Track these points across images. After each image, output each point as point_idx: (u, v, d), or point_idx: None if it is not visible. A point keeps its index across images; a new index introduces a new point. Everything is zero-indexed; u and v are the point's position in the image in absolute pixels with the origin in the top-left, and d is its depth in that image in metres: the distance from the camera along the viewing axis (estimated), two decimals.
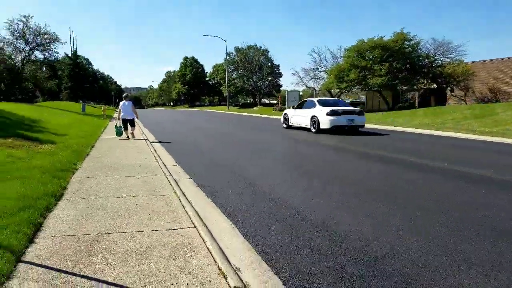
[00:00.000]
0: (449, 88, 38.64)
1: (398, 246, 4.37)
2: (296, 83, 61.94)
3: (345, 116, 18.08)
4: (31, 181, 6.89)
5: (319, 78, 56.85)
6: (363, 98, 59.53)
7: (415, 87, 40.37)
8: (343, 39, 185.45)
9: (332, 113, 17.92)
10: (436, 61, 39.68)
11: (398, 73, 36.08)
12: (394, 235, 4.71)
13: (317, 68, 56.18)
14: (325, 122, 17.94)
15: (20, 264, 3.78)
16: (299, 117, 20.48)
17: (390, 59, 36.42)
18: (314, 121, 18.66)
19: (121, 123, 16.21)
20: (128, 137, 16.08)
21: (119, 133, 16.13)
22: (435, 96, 40.70)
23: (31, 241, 4.37)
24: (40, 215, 5.18)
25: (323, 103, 19.41)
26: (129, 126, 16.17)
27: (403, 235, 4.71)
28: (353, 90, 48.99)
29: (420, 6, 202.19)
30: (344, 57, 44.12)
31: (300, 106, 21.23)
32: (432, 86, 41.13)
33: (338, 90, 48.01)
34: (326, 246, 4.38)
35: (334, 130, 18.16)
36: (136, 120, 16.77)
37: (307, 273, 3.75)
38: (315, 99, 20.65)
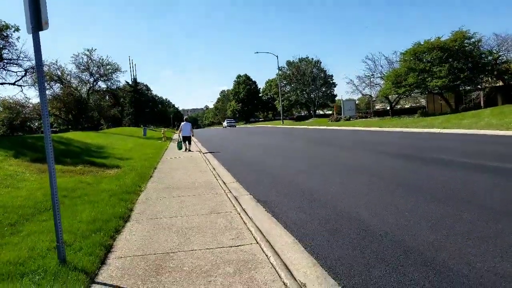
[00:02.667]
0: None
1: None
2: (352, 92, 61.21)
3: (230, 123, 78.88)
4: (100, 205, 7.25)
5: (376, 84, 55.42)
6: (423, 102, 57.27)
7: (479, 86, 38.16)
8: (397, 44, 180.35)
9: (227, 123, 79.78)
10: (500, 58, 37.34)
11: (459, 73, 34.24)
12: None
13: (373, 75, 54.77)
14: (226, 125, 78.32)
15: (94, 285, 3.95)
16: (223, 124, 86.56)
17: (450, 60, 34.79)
18: (224, 125, 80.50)
19: (181, 138, 20.58)
20: (186, 149, 20.31)
21: (180, 147, 20.56)
22: (502, 95, 38.20)
23: (103, 262, 4.55)
24: (110, 237, 5.40)
25: (227, 120, 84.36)
26: (187, 142, 20.52)
27: None
28: (412, 94, 47.19)
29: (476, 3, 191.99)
30: (400, 62, 42.76)
31: (223, 121, 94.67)
32: (498, 84, 38.68)
33: (396, 95, 46.46)
34: (395, 258, 4.17)
35: (228, 127, 69.79)
36: (193, 138, 21.64)
37: (375, 284, 3.58)
38: (226, 119, 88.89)
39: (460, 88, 37.75)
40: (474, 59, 35.39)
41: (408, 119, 34.81)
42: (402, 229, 5.12)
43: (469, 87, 38.56)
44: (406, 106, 70.10)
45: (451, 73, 34.18)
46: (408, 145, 15.93)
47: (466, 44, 35.92)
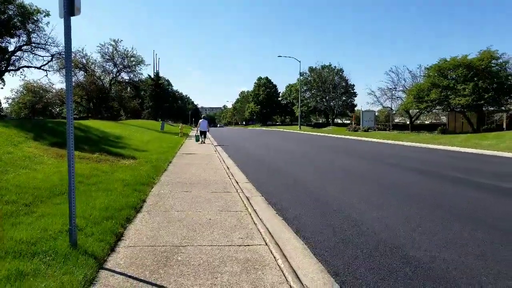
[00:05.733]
0: None
1: None
2: (372, 103, 60.10)
3: (220, 125, 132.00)
4: (114, 193, 7.33)
5: (397, 98, 54.84)
6: (444, 119, 56.41)
7: (503, 108, 37.46)
8: (422, 59, 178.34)
9: (219, 125, 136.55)
10: None
11: (484, 93, 33.64)
12: None
13: (395, 88, 54.25)
14: (218, 126, 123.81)
15: (102, 271, 3.99)
16: (217, 125, 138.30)
17: (475, 79, 34.20)
18: (218, 126, 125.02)
19: (198, 132, 25.25)
20: (202, 142, 24.74)
21: (197, 139, 25.21)
22: None
23: (112, 249, 4.60)
24: (121, 225, 5.46)
25: (219, 124, 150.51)
26: (202, 136, 25.14)
27: None
28: (434, 111, 46.55)
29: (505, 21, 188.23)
30: (424, 76, 42.25)
31: (215, 124, 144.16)
32: None
33: (417, 110, 45.89)
34: (407, 275, 4.11)
35: (221, 127, 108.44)
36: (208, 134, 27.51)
37: None
38: (218, 123, 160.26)
39: (484, 108, 37.11)
40: (500, 80, 34.74)
41: (428, 135, 34.33)
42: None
43: (492, 108, 37.88)
44: (426, 122, 69.23)
45: (475, 92, 33.62)
46: (450, 164, 15.70)
47: (493, 64, 35.29)
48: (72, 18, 4.33)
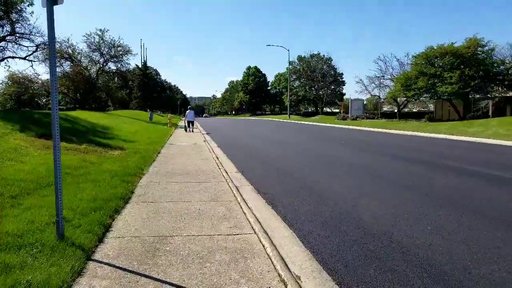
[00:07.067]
0: None
1: None
2: (360, 92, 60.46)
3: (206, 115, 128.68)
4: (102, 184, 7.28)
5: (385, 86, 55.15)
6: (431, 107, 56.88)
7: (489, 95, 37.87)
8: (410, 47, 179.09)
9: (206, 116, 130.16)
10: None
11: (470, 81, 33.95)
12: None
13: (383, 76, 54.51)
14: (205, 116, 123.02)
15: (90, 262, 3.97)
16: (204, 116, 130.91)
17: (462, 66, 34.47)
18: (203, 116, 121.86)
19: (186, 123, 27.56)
20: (191, 131, 26.55)
21: (185, 129, 27.20)
22: (511, 105, 37.89)
23: (100, 240, 4.58)
24: (109, 216, 5.43)
25: (205, 115, 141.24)
26: (190, 125, 27.34)
27: None
28: (421, 98, 46.93)
29: (493, 10, 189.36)
30: (411, 64, 42.49)
31: (202, 113, 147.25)
32: (508, 94, 38.35)
33: (404, 98, 46.20)
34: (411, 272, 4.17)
35: (206, 117, 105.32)
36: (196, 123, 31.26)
37: (369, 283, 3.58)
38: (204, 114, 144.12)
39: (470, 96, 37.47)
40: (485, 68, 35.05)
41: (416, 123, 34.64)
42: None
43: (478, 96, 38.25)
44: (414, 110, 69.67)
45: (461, 80, 33.91)
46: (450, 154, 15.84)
47: (479, 52, 35.60)
48: (56, 7, 4.24)
